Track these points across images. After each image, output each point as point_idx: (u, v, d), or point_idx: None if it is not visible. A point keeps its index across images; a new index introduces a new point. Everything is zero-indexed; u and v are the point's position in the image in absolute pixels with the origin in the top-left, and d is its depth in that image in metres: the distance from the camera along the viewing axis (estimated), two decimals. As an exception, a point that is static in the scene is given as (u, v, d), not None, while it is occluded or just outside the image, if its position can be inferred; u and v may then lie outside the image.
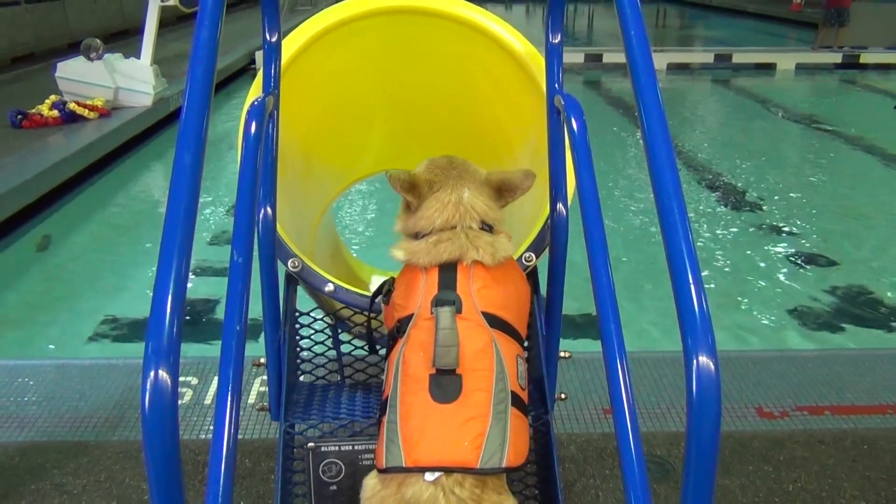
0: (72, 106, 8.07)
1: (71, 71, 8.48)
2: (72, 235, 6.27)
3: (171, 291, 1.05)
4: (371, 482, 1.64)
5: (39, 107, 8.08)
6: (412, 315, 1.76)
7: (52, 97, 8.29)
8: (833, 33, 14.81)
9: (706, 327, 1.11)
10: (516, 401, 1.67)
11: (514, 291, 1.85)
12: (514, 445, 1.60)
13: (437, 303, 1.71)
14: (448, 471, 1.54)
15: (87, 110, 8.09)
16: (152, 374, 1.00)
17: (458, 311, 1.70)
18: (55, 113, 7.97)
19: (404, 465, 1.56)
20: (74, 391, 3.20)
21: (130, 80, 8.69)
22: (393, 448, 1.60)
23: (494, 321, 1.74)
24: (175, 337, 1.02)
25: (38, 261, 5.81)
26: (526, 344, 1.91)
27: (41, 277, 5.51)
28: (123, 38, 14.33)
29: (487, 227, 1.84)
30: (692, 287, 1.14)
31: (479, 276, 1.78)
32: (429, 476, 1.55)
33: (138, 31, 8.82)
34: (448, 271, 1.78)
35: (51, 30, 13.49)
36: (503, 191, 1.92)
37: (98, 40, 8.55)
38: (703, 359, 1.10)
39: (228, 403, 1.30)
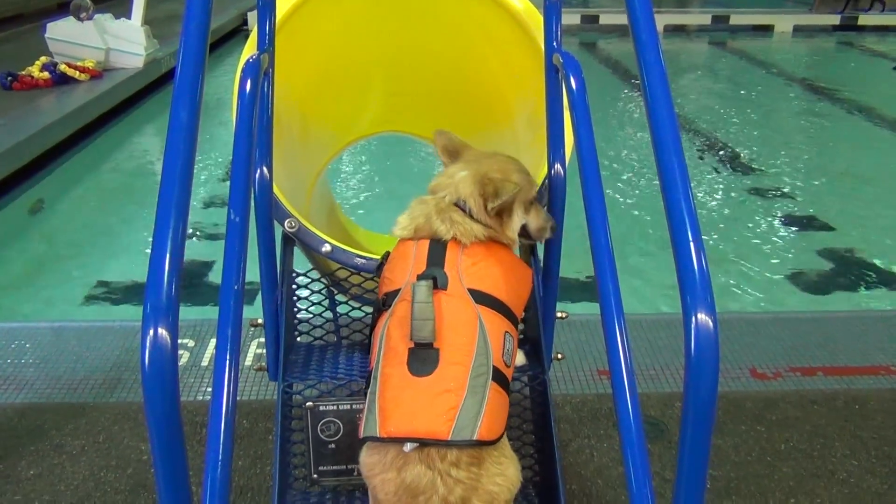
0: (62, 67, 7.94)
1: (61, 32, 8.34)
2: (65, 198, 6.23)
3: (168, 249, 1.04)
4: (370, 461, 1.66)
5: (30, 68, 7.95)
6: (399, 290, 1.78)
7: (43, 58, 8.15)
8: None
9: (705, 285, 1.12)
10: (498, 376, 1.68)
11: (509, 273, 1.84)
12: (487, 420, 1.60)
13: (420, 278, 1.73)
14: (420, 441, 1.57)
15: (77, 72, 7.97)
16: (151, 331, 1.00)
17: (444, 287, 1.72)
18: (45, 74, 7.85)
19: (378, 435, 1.60)
20: (71, 353, 3.21)
21: (121, 41, 8.55)
22: (370, 418, 1.63)
23: (483, 298, 1.74)
24: (174, 295, 1.02)
25: (31, 224, 5.78)
26: (521, 326, 1.90)
27: (34, 241, 5.48)
28: (112, -2, 14.08)
29: (462, 207, 1.84)
30: (692, 245, 1.14)
31: (469, 253, 1.79)
32: (406, 447, 1.57)
33: (126, -9, 8.67)
34: (437, 247, 1.80)
35: (39, -11, 13.24)
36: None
37: (88, 0, 8.40)
38: (701, 316, 1.10)
39: (227, 363, 1.30)
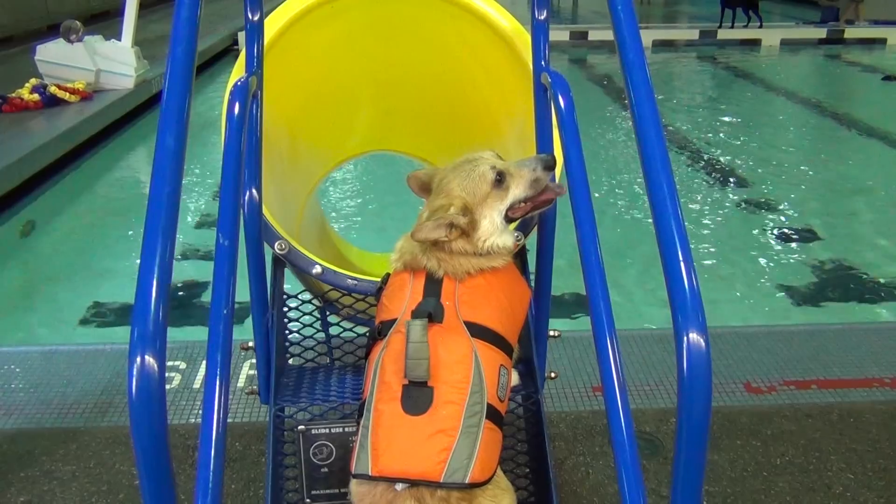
0: (52, 89, 7.95)
1: (51, 54, 8.36)
2: (56, 220, 6.21)
3: (155, 276, 1.03)
4: (359, 490, 1.64)
5: (20, 91, 7.96)
6: (395, 319, 1.76)
7: (33, 81, 8.16)
8: (854, 7, 14.89)
9: (696, 304, 1.11)
10: (492, 413, 1.66)
11: (505, 302, 1.82)
12: (480, 461, 1.59)
13: (415, 313, 1.71)
14: (411, 482, 1.56)
15: (68, 94, 7.98)
16: (138, 359, 0.99)
17: (439, 320, 1.70)
18: (36, 97, 7.85)
19: (370, 474, 1.58)
20: (62, 377, 3.18)
21: (111, 62, 8.57)
22: (362, 454, 1.61)
23: (479, 331, 1.72)
24: (161, 321, 1.01)
25: (22, 247, 5.75)
26: (515, 353, 1.88)
27: (26, 264, 5.46)
28: (104, 19, 14.11)
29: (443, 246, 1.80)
30: (682, 264, 1.14)
31: (465, 285, 1.77)
32: (398, 486, 1.56)
33: (118, 12, 8.67)
34: (433, 280, 1.78)
35: (29, 12, 13.26)
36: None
37: (78, 22, 8.42)
38: (693, 335, 1.09)
39: (217, 388, 1.29)
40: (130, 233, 5.68)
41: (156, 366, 0.99)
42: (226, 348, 1.35)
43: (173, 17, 1.25)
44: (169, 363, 3.24)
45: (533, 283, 2.13)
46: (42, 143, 6.80)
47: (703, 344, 1.09)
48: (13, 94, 7.88)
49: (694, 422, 1.13)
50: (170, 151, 1.12)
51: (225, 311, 1.36)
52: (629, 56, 1.32)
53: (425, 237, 1.74)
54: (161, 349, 1.00)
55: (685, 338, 1.09)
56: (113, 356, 3.34)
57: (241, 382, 3.11)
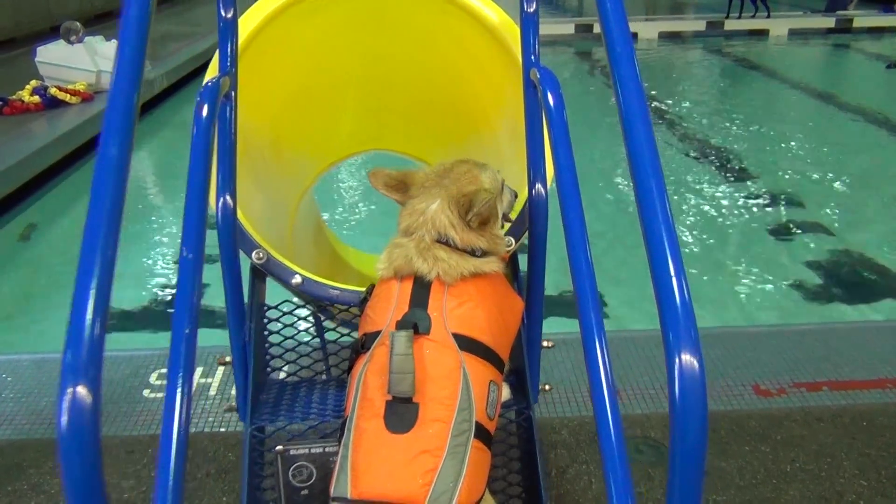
0: (53, 91, 7.91)
1: (51, 55, 8.32)
2: (57, 223, 6.15)
3: (92, 298, 0.95)
4: None
5: (20, 93, 7.92)
6: (380, 332, 1.66)
7: (33, 82, 8.12)
8: None
9: (689, 321, 1.01)
10: (480, 433, 1.56)
11: (496, 312, 1.72)
12: (468, 484, 1.49)
13: (400, 324, 1.61)
14: None
15: (69, 95, 7.94)
16: (70, 390, 0.90)
17: (426, 331, 1.61)
18: (36, 98, 7.82)
19: (349, 497, 1.48)
20: (53, 386, 3.09)
21: (112, 63, 8.50)
22: (342, 476, 1.51)
23: (468, 344, 1.62)
24: (96, 348, 0.92)
25: (21, 250, 5.70)
26: (506, 367, 1.78)
27: (25, 268, 5.41)
28: (105, 20, 14.08)
29: (445, 242, 1.72)
30: (673, 276, 1.04)
31: (455, 293, 1.67)
32: None
33: (118, 12, 8.61)
34: (421, 287, 1.68)
35: (30, 13, 13.22)
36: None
37: (78, 23, 8.38)
38: (686, 356, 0.99)
39: (177, 415, 1.20)
40: (132, 235, 5.61)
41: (89, 397, 0.90)
42: (188, 371, 1.25)
43: (121, 17, 1.17)
44: (158, 372, 3.16)
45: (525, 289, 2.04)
46: (43, 145, 6.76)
47: (696, 366, 0.98)
48: (14, 97, 7.84)
49: (689, 448, 1.03)
50: (112, 162, 1.03)
51: (187, 331, 1.27)
52: (617, 49, 1.23)
53: (479, 211, 1.70)
54: (95, 378, 0.91)
55: (677, 358, 0.99)
56: (105, 364, 3.26)
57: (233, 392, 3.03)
